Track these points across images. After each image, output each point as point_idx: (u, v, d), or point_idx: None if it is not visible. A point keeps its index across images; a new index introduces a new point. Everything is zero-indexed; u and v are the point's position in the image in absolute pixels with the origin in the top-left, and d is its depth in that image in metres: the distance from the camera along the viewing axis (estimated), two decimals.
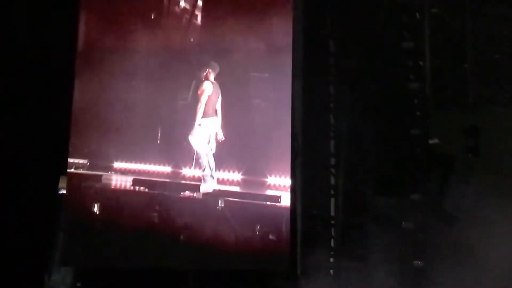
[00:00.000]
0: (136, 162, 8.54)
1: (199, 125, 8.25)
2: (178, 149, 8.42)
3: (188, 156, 8.34)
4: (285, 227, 8.02)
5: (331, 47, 8.99)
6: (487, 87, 8.59)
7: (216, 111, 8.30)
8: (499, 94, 8.57)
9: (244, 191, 8.23)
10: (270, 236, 7.98)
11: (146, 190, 8.35)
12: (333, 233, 8.73)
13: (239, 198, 8.16)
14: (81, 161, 8.50)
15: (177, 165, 8.47)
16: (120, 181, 8.52)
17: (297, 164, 8.46)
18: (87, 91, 8.46)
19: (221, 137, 8.24)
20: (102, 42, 8.53)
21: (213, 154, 8.25)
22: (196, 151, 8.27)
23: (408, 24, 8.73)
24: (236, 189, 8.30)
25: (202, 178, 8.26)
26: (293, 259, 8.25)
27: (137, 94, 8.52)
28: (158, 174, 8.51)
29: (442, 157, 8.46)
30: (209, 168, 8.25)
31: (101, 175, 8.50)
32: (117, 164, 8.59)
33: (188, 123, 8.29)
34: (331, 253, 8.67)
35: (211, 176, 8.24)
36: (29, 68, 8.53)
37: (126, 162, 8.57)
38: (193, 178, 8.35)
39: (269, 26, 8.40)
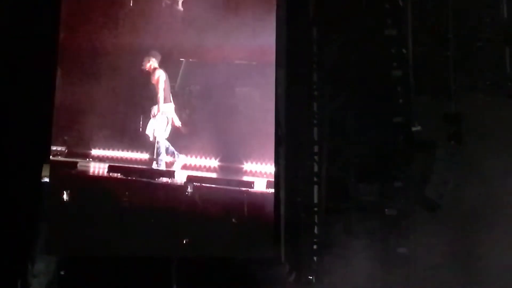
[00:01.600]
0: (116, 150, 8.52)
1: (162, 112, 8.34)
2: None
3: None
4: (269, 214, 8.04)
5: (314, 35, 8.99)
6: (469, 74, 8.61)
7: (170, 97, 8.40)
8: (481, 82, 8.60)
9: (221, 177, 8.26)
10: (253, 222, 8.03)
11: (122, 176, 8.35)
12: (316, 220, 8.76)
13: (213, 184, 8.19)
14: (59, 148, 8.47)
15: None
16: (98, 168, 8.50)
17: (280, 152, 8.47)
18: (69, 80, 8.43)
19: (178, 123, 8.31)
20: (82, 31, 8.48)
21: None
22: (157, 138, 8.35)
23: (391, 12, 8.73)
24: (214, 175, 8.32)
25: (156, 162, 8.36)
26: (277, 246, 8.28)
27: (119, 82, 8.48)
28: (137, 162, 8.49)
29: (425, 144, 8.50)
30: (165, 152, 8.35)
31: (77, 162, 8.47)
32: (96, 152, 8.53)
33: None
34: (315, 240, 8.71)
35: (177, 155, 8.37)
36: (10, 58, 8.48)
37: (105, 149, 8.53)
38: (169, 164, 8.36)
39: (252, 13, 8.39)
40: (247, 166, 8.19)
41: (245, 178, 8.17)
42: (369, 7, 8.79)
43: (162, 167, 8.36)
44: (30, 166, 8.37)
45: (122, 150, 8.49)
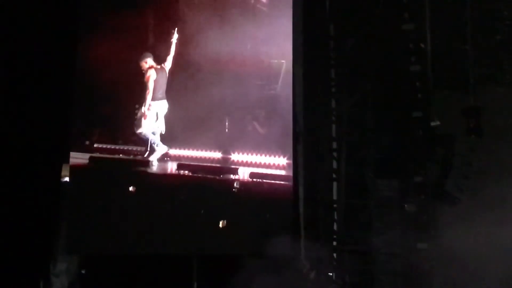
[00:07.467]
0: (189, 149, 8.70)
1: (149, 108, 8.59)
2: (240, 136, 8.56)
3: (237, 141, 8.51)
4: (288, 211, 8.05)
5: (331, 31, 8.97)
6: (487, 67, 8.53)
7: (164, 94, 8.63)
8: (499, 75, 8.51)
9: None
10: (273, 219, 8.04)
11: (190, 174, 8.53)
12: (335, 217, 8.73)
13: (276, 180, 8.31)
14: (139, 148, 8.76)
15: (227, 151, 8.56)
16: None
17: (298, 149, 8.47)
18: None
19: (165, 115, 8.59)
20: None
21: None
22: (143, 132, 8.63)
23: (408, 6, 8.66)
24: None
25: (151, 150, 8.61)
26: (297, 243, 8.27)
27: (210, 86, 8.62)
28: (206, 160, 8.61)
29: (444, 139, 8.44)
30: (155, 143, 8.63)
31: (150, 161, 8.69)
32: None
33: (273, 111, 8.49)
34: (334, 236, 8.68)
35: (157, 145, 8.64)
36: (31, 57, 8.58)
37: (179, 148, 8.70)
38: (237, 163, 8.45)
39: (268, 11, 8.40)
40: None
41: None
42: (386, 2, 8.73)
43: (154, 159, 8.62)
44: (52, 165, 8.47)
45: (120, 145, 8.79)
